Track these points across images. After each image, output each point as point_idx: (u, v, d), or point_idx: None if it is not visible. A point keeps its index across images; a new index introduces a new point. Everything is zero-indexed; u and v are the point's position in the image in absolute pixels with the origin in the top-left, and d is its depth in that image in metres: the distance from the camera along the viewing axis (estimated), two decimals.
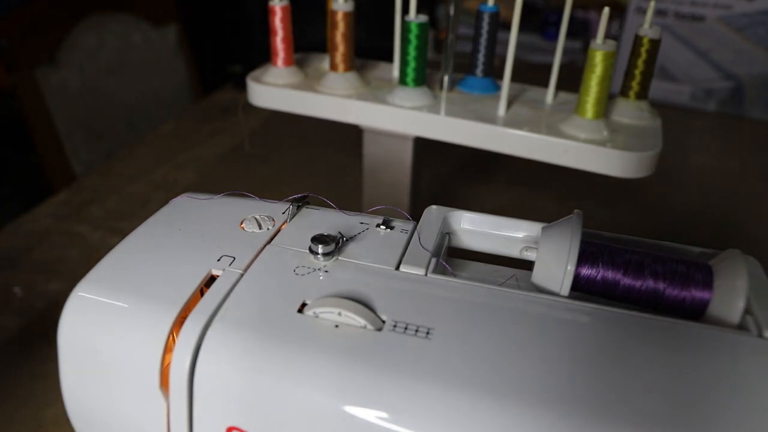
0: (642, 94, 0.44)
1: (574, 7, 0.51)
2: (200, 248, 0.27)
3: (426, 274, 0.26)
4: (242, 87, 0.51)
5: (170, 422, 0.24)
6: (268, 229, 0.29)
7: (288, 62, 0.49)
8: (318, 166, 0.72)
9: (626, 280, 0.25)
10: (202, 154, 0.75)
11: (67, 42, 0.99)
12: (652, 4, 0.41)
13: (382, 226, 0.29)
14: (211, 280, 0.26)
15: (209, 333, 0.23)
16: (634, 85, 0.44)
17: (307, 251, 0.27)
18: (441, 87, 0.48)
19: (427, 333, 0.23)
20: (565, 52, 0.58)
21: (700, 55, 0.82)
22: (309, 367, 0.22)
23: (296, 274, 0.26)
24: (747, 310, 0.24)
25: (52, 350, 0.26)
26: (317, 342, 0.23)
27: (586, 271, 0.26)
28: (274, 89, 0.48)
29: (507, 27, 0.43)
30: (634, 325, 0.23)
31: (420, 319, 0.23)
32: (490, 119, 0.44)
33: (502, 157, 0.44)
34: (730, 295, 0.24)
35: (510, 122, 0.43)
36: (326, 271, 0.26)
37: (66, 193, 0.64)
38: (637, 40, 0.42)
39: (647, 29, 0.42)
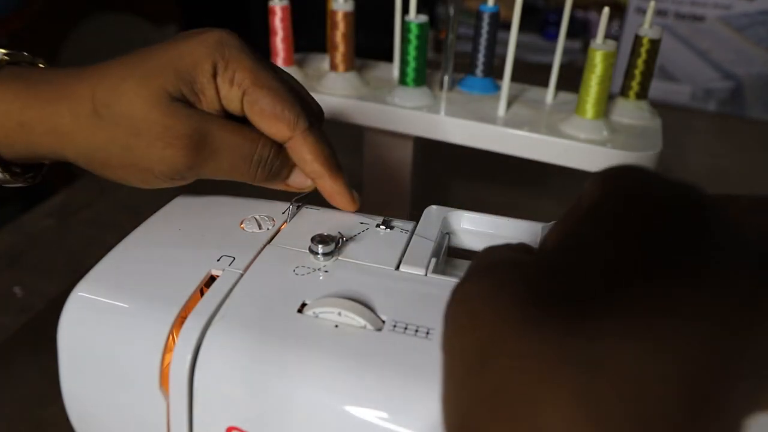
0: (642, 94, 0.44)
1: (574, 7, 0.51)
2: (200, 248, 0.27)
3: (426, 274, 0.26)
4: None
5: (170, 422, 0.24)
6: (268, 229, 0.29)
7: (288, 62, 0.49)
8: None
9: None
10: None
11: (68, 42, 0.99)
12: (652, 4, 0.41)
13: (382, 226, 0.29)
14: (211, 280, 0.26)
15: (209, 333, 0.23)
16: (634, 85, 0.44)
17: (307, 251, 0.27)
18: (441, 87, 0.48)
19: (427, 333, 0.23)
20: (565, 52, 0.58)
21: (700, 55, 0.82)
22: (309, 367, 0.22)
23: (296, 274, 0.26)
24: None
25: (52, 350, 0.26)
26: (317, 342, 0.23)
27: None
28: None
29: (507, 27, 0.43)
30: None
31: (420, 319, 0.23)
32: (490, 119, 0.44)
33: (502, 157, 0.44)
34: None
35: (510, 122, 0.43)
36: (326, 271, 0.26)
37: (66, 193, 0.64)
38: (637, 40, 0.42)
39: (647, 29, 0.42)
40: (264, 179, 0.30)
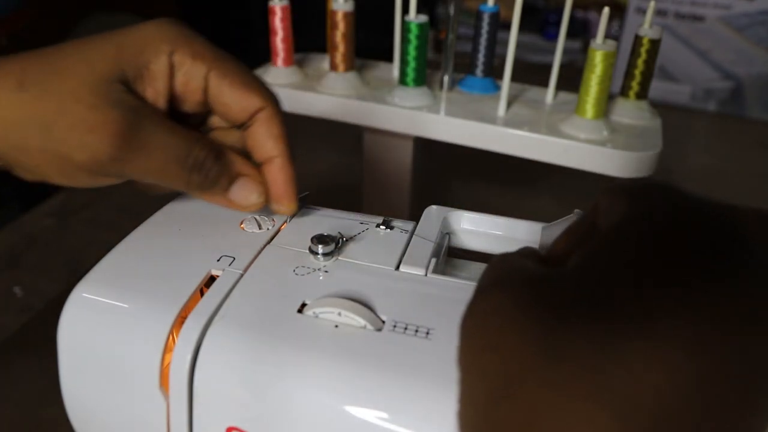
0: (642, 94, 0.44)
1: (574, 7, 0.51)
2: (200, 248, 0.27)
3: (426, 274, 0.26)
4: None
5: (170, 422, 0.24)
6: (268, 229, 0.29)
7: (288, 62, 0.49)
8: (318, 166, 0.72)
9: None
10: None
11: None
12: (652, 4, 0.41)
13: (381, 226, 0.29)
14: (211, 280, 0.26)
15: (209, 333, 0.23)
16: (634, 85, 0.44)
17: (307, 251, 0.27)
18: (441, 87, 0.48)
19: (427, 333, 0.23)
20: (565, 52, 0.58)
21: (700, 55, 0.82)
22: (309, 367, 0.22)
23: (296, 274, 0.26)
24: None
25: (51, 350, 0.26)
26: (317, 342, 0.23)
27: None
28: (273, 89, 0.48)
29: (507, 27, 0.43)
30: None
31: (420, 319, 0.23)
32: (490, 119, 0.44)
33: (502, 157, 0.44)
34: None
35: (510, 122, 0.43)
36: (326, 271, 0.26)
37: (66, 193, 0.64)
38: (637, 40, 0.42)
39: (647, 29, 0.42)
40: (199, 186, 0.27)
